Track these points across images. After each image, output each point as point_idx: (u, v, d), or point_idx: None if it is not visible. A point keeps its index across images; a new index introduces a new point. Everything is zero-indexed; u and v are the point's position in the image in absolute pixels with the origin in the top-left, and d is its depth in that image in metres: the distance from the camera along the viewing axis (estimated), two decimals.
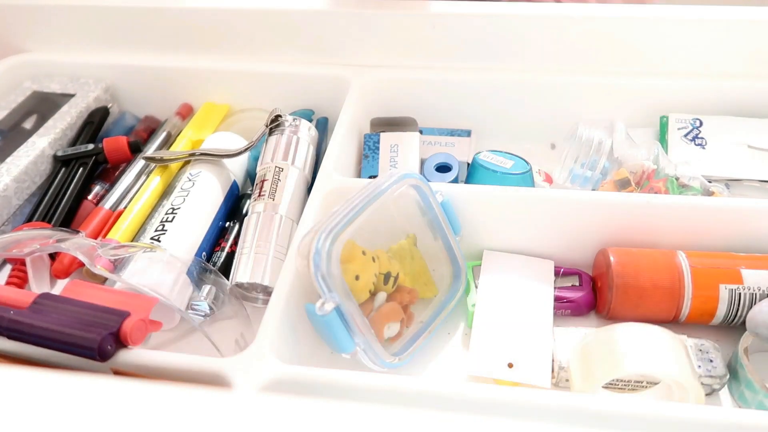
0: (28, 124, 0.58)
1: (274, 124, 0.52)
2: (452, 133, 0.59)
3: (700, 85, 0.56)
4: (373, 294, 0.42)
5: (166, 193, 0.52)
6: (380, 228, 0.42)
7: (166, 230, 0.47)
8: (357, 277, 0.40)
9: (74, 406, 0.26)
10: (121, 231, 0.48)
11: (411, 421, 0.25)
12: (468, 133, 0.58)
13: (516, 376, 0.40)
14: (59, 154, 0.55)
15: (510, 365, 0.40)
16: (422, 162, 0.54)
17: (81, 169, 0.54)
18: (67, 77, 0.63)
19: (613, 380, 0.40)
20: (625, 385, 0.40)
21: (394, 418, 0.25)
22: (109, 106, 0.62)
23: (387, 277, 0.42)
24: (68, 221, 0.52)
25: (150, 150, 0.57)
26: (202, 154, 0.52)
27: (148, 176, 0.54)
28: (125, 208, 0.51)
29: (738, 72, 0.56)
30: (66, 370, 0.36)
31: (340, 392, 0.35)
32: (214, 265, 0.48)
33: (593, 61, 0.57)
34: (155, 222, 0.48)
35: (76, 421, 0.26)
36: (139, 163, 0.55)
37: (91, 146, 0.55)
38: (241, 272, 0.44)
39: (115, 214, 0.51)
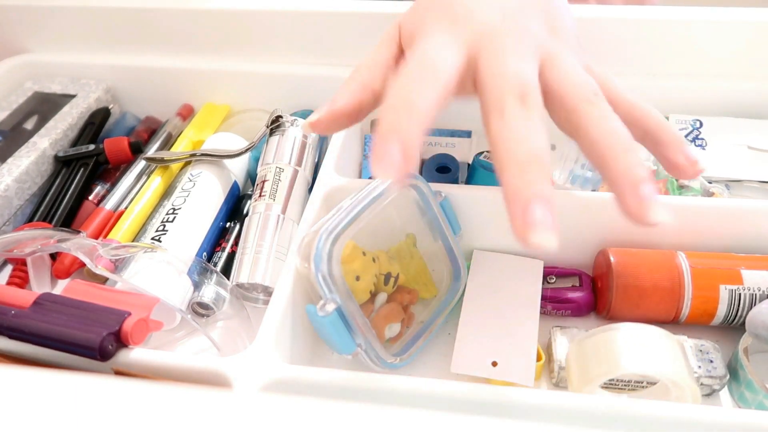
0: (29, 125, 0.58)
1: (275, 124, 0.52)
2: (453, 133, 0.59)
3: (700, 85, 0.56)
4: (373, 295, 0.42)
5: (166, 193, 0.52)
6: (380, 228, 0.42)
7: (166, 230, 0.47)
8: (358, 278, 0.40)
9: (74, 406, 0.26)
10: (122, 231, 0.48)
11: (410, 421, 0.25)
12: (468, 134, 0.58)
13: (499, 375, 0.40)
14: (60, 154, 0.55)
15: (494, 364, 0.40)
16: (422, 162, 0.54)
17: (82, 169, 0.54)
18: (68, 78, 0.63)
19: (611, 380, 0.40)
20: (624, 385, 0.40)
21: (394, 417, 0.25)
22: (110, 107, 0.62)
23: (387, 277, 0.42)
24: (69, 221, 0.52)
25: (151, 150, 0.57)
26: (203, 154, 0.53)
27: (149, 177, 0.54)
28: (126, 208, 0.51)
29: (738, 73, 0.56)
30: (67, 370, 0.36)
31: (340, 392, 0.35)
32: (214, 266, 0.48)
33: (593, 62, 0.57)
34: (156, 222, 0.48)
35: (76, 421, 0.26)
36: (140, 164, 0.55)
37: (92, 147, 0.55)
38: (242, 272, 0.44)
39: (116, 215, 0.51)
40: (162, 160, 0.53)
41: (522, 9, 0.37)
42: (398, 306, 0.43)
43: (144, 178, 0.54)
